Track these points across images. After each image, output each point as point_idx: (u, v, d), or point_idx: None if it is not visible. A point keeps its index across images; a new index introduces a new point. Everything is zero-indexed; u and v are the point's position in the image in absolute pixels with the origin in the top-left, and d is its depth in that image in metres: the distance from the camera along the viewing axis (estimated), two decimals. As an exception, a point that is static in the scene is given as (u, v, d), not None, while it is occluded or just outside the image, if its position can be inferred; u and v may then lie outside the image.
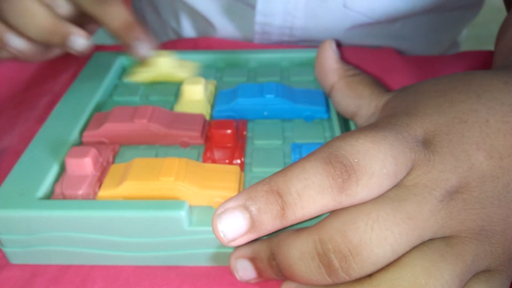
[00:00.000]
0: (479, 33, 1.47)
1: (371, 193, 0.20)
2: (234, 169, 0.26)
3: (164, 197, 0.25)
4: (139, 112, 0.30)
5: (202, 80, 0.33)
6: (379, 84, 0.28)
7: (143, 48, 0.34)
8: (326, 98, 0.32)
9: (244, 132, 0.31)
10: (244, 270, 0.22)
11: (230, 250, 0.24)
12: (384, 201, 0.20)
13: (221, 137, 0.29)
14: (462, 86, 0.23)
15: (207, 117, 0.32)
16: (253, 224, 0.20)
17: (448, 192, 0.20)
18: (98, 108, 0.33)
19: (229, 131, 0.29)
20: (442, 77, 0.25)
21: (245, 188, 0.26)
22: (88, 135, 0.30)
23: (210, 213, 0.25)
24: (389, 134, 0.20)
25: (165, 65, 0.36)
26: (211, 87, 0.35)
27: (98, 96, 0.34)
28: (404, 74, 0.40)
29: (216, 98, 0.34)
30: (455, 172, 0.20)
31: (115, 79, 0.37)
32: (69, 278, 0.25)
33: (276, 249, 0.21)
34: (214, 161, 0.28)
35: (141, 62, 0.35)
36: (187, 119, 0.30)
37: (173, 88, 0.36)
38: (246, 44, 0.46)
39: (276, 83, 0.33)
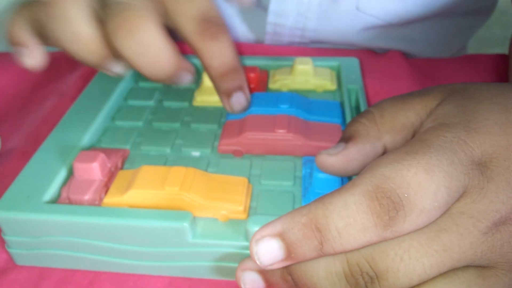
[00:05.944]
0: (482, 35, 1.45)
1: (418, 228, 0.18)
2: (241, 181, 0.26)
3: (169, 207, 0.24)
4: (278, 121, 0.29)
5: None
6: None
7: (240, 101, 0.29)
8: (342, 110, 0.32)
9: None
10: (253, 282, 0.22)
11: (235, 264, 0.23)
12: (421, 230, 0.18)
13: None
14: None
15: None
16: (289, 254, 0.19)
17: (494, 224, 0.18)
18: (112, 112, 0.33)
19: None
20: (503, 87, 0.23)
21: (252, 200, 0.26)
22: (225, 143, 0.29)
23: (215, 226, 0.24)
24: (444, 157, 0.19)
25: (306, 73, 0.35)
26: None
27: (112, 99, 0.34)
28: (409, 78, 0.40)
29: None
30: (507, 203, 0.19)
31: (131, 82, 0.37)
32: (76, 281, 0.25)
33: (295, 266, 0.20)
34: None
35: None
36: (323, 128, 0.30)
37: (187, 94, 0.35)
38: (257, 46, 0.45)
39: (291, 93, 0.32)
